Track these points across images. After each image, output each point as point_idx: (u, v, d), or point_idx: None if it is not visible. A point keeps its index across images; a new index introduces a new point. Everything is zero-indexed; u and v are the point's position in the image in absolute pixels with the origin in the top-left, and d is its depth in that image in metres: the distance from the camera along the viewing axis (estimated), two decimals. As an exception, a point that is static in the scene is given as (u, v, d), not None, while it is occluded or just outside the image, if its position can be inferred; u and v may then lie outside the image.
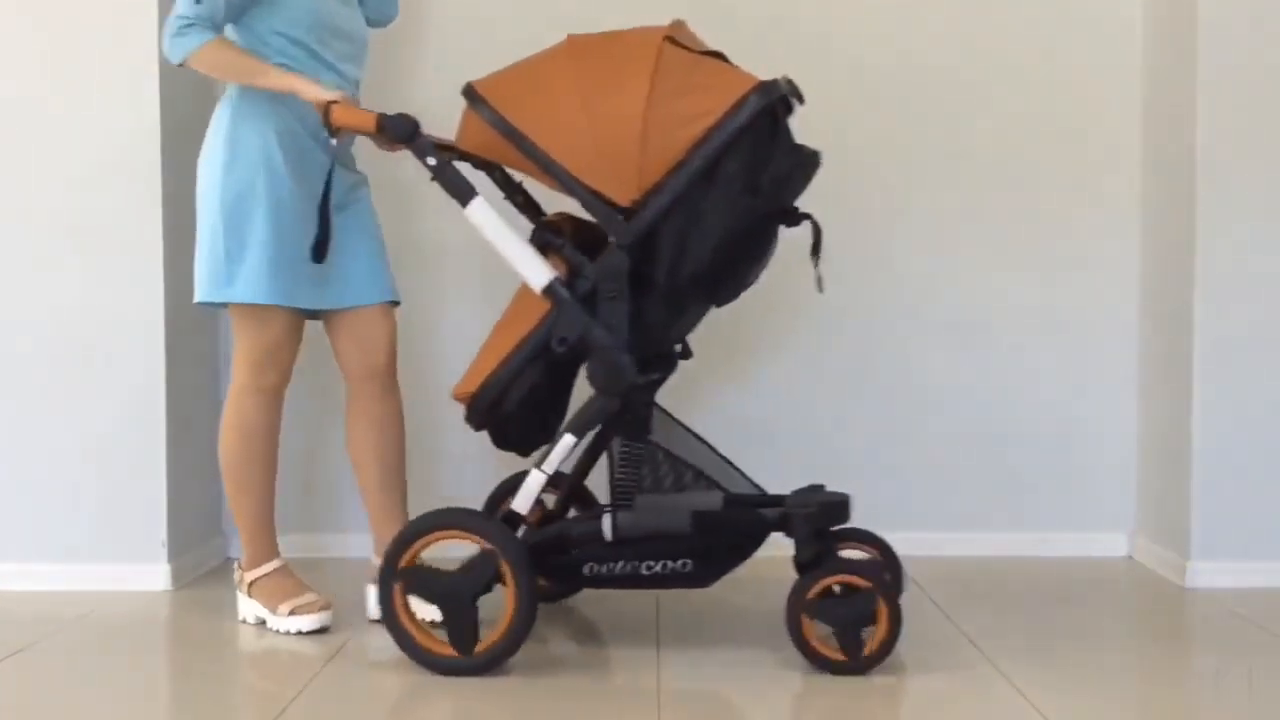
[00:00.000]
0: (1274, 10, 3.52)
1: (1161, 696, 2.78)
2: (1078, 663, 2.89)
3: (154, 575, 3.55)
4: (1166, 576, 3.67)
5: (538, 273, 2.81)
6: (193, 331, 3.74)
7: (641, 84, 2.72)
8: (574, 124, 2.74)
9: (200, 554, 3.76)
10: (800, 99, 2.83)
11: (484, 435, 2.89)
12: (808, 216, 2.85)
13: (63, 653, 3.03)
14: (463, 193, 2.84)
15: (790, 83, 2.80)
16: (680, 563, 2.81)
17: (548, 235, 2.90)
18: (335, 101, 2.92)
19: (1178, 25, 3.65)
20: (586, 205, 2.78)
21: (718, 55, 2.88)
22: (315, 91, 2.95)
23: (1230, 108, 3.53)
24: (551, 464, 2.84)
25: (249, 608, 3.24)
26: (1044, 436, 3.96)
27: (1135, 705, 2.71)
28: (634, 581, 2.83)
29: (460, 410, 2.92)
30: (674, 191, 2.72)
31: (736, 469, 2.99)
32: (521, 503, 2.86)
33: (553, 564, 2.87)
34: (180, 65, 3.03)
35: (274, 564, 3.23)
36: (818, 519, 2.83)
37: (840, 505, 2.89)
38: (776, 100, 2.75)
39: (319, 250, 3.00)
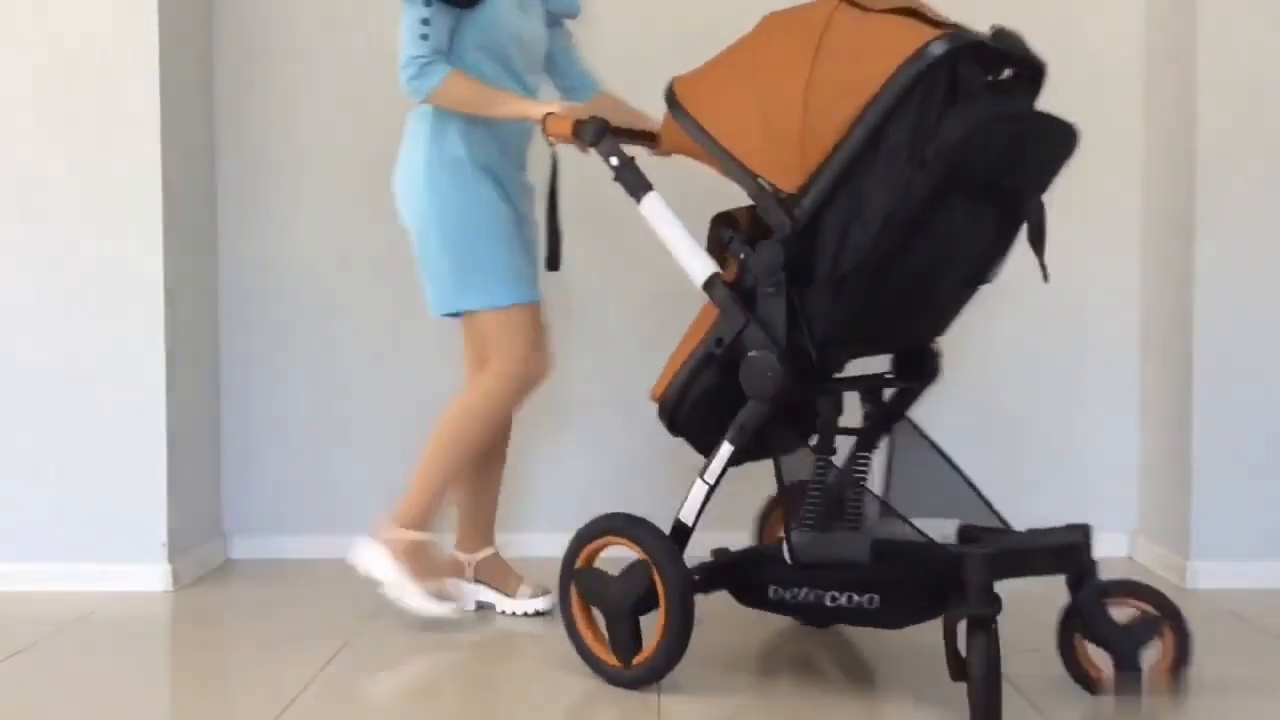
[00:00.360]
0: (1274, 11, 3.52)
1: (1161, 696, 2.77)
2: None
3: (154, 575, 3.54)
4: (1166, 576, 3.66)
5: (699, 269, 2.64)
6: (193, 332, 3.74)
7: (805, 57, 2.43)
8: (742, 110, 2.52)
9: (200, 554, 3.75)
10: (1011, 53, 2.44)
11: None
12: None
13: (63, 653, 3.03)
14: (637, 188, 2.73)
15: (1003, 31, 2.43)
16: (866, 598, 2.48)
17: (721, 229, 2.66)
18: (551, 113, 2.94)
19: (1178, 25, 3.66)
20: (751, 194, 2.56)
21: (909, 12, 2.47)
22: (538, 108, 2.98)
23: (1230, 108, 3.53)
24: (712, 473, 2.65)
25: (372, 559, 3.12)
26: (1044, 436, 3.96)
27: (1135, 705, 2.70)
28: (817, 612, 2.59)
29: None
30: (834, 172, 2.42)
31: (983, 498, 2.70)
32: (688, 513, 2.68)
33: (744, 583, 2.68)
34: (422, 101, 3.04)
35: (431, 537, 3.15)
36: (996, 562, 2.42)
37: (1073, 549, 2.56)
38: (959, 49, 2.35)
39: (552, 258, 3.02)
